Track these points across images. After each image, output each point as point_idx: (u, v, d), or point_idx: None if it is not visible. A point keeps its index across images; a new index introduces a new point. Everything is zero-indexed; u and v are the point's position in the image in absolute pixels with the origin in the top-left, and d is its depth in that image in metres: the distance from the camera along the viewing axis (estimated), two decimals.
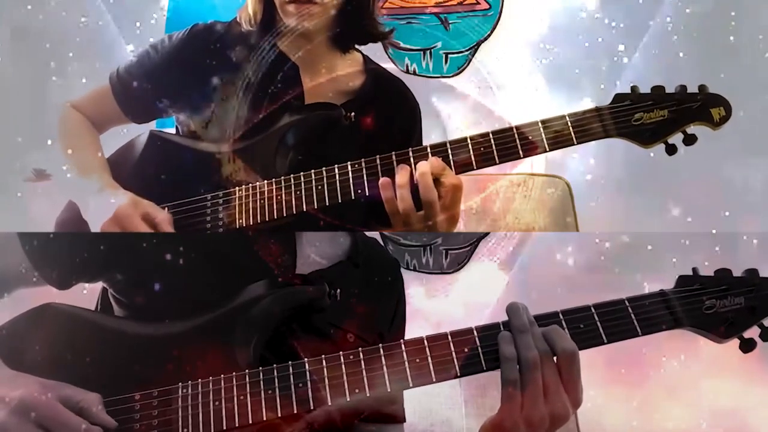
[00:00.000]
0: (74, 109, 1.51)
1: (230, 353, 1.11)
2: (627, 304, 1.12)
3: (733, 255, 1.95)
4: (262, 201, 1.33)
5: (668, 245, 2.02)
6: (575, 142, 1.28)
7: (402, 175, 1.27)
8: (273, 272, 1.23)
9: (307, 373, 1.07)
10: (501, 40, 2.38)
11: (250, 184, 1.35)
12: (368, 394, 1.06)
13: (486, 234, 2.40)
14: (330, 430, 1.11)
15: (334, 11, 1.42)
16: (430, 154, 1.29)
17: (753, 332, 1.13)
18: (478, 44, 2.39)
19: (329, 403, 1.06)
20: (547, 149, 1.28)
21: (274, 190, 1.33)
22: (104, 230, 1.32)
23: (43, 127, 1.75)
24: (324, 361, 1.08)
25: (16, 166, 1.96)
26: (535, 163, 2.34)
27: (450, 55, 2.41)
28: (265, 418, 1.05)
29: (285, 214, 1.31)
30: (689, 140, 1.28)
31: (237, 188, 1.35)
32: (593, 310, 1.11)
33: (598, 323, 1.10)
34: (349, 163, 1.31)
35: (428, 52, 2.40)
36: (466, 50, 2.40)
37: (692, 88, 1.30)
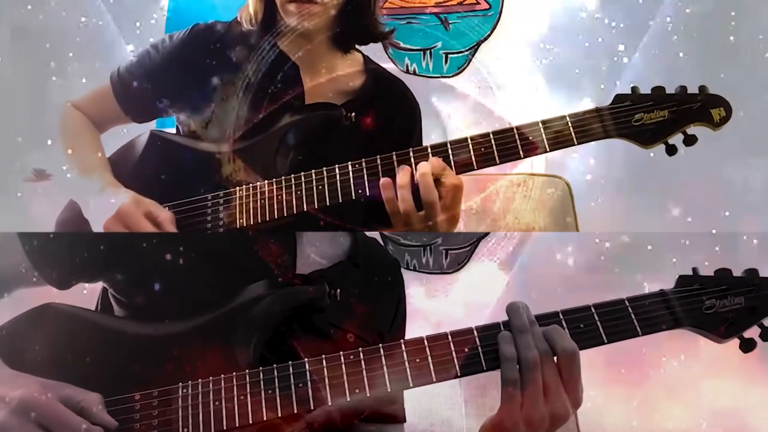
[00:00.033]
0: (75, 108, 1.51)
1: (230, 353, 1.11)
2: (627, 304, 1.12)
3: (733, 255, 1.95)
4: (262, 201, 1.33)
5: (668, 245, 2.02)
6: (575, 143, 1.28)
7: (403, 175, 1.27)
8: (273, 272, 1.23)
9: (307, 373, 1.07)
10: (501, 40, 2.39)
11: (251, 184, 1.35)
12: (368, 394, 1.06)
13: (486, 234, 2.40)
14: (330, 430, 1.11)
15: (335, 11, 1.42)
16: (430, 154, 1.29)
17: (753, 332, 1.13)
18: (478, 44, 2.39)
19: (329, 403, 1.06)
20: (548, 149, 1.28)
21: (274, 190, 1.33)
22: (107, 228, 1.32)
23: (43, 127, 1.75)
24: (324, 361, 1.08)
25: (16, 166, 1.96)
26: (535, 163, 2.34)
27: (450, 55, 2.41)
28: (265, 418, 1.05)
29: (285, 214, 1.31)
30: (689, 141, 1.28)
31: (237, 188, 1.35)
32: (593, 310, 1.11)
33: (598, 323, 1.10)
34: (349, 163, 1.31)
35: (428, 52, 2.40)
36: (466, 50, 2.40)
37: (692, 88, 1.30)
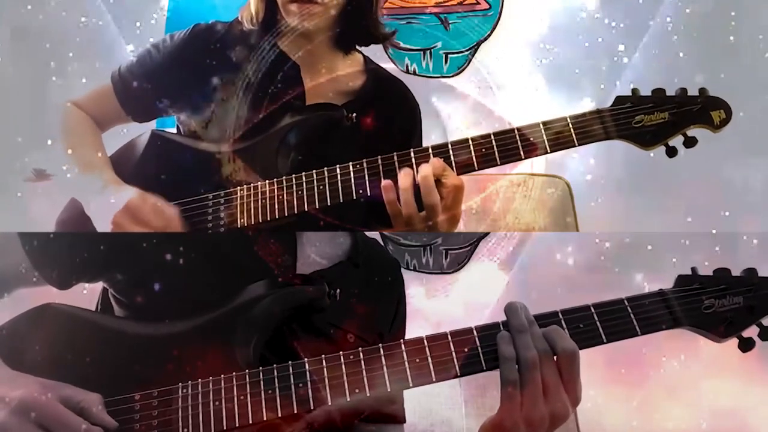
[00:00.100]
0: (76, 107, 1.51)
1: (230, 353, 1.11)
2: (626, 303, 1.12)
3: (733, 255, 1.95)
4: (263, 201, 1.33)
5: (668, 245, 2.02)
6: (576, 144, 1.28)
7: (405, 178, 1.26)
8: (273, 272, 1.23)
9: (307, 373, 1.07)
10: (501, 40, 2.39)
11: (252, 184, 1.35)
12: (368, 394, 1.06)
13: (486, 234, 2.40)
14: (330, 430, 1.11)
15: (336, 12, 1.42)
16: (431, 155, 1.29)
17: (752, 331, 1.13)
18: (478, 44, 2.39)
19: (329, 403, 1.06)
20: (548, 150, 1.28)
21: (275, 190, 1.33)
22: (116, 222, 1.32)
23: (43, 127, 1.74)
24: (324, 361, 1.08)
25: (16, 166, 1.96)
26: (535, 163, 2.34)
27: (450, 55, 2.41)
28: (265, 418, 1.05)
29: (286, 214, 1.31)
30: (690, 143, 1.29)
31: (238, 188, 1.35)
32: (593, 309, 1.11)
33: (598, 323, 1.10)
34: (350, 163, 1.31)
35: (428, 52, 2.40)
36: (466, 50, 2.40)
37: (692, 89, 1.31)
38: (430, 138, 1.63)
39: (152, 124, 1.56)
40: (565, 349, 1.05)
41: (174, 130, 1.53)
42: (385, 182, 1.27)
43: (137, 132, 1.50)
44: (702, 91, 1.30)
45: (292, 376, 1.07)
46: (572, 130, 1.28)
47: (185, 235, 1.32)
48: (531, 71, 2.34)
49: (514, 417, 1.03)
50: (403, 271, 1.47)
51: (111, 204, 1.33)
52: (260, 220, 1.33)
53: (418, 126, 1.56)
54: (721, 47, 2.11)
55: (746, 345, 1.13)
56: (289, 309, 1.15)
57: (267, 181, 1.34)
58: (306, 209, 1.31)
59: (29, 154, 1.92)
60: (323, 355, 1.08)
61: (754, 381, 1.98)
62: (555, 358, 1.06)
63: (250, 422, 1.05)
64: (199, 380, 1.08)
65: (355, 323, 1.23)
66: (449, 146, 1.30)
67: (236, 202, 1.35)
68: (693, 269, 1.16)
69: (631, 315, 1.11)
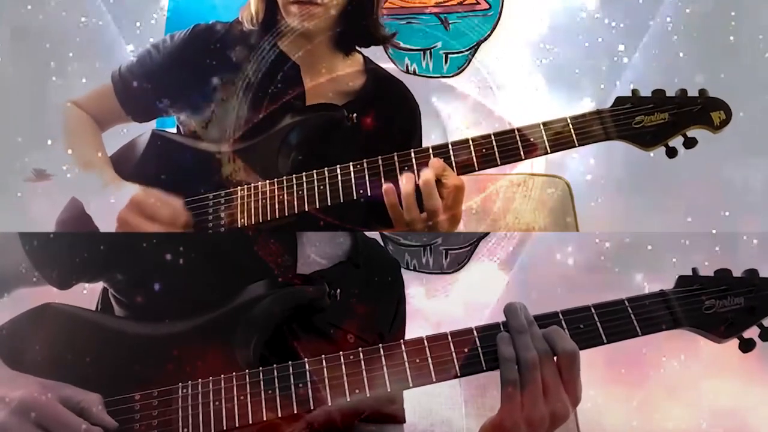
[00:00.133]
0: (76, 106, 1.52)
1: (230, 353, 1.11)
2: (627, 304, 1.12)
3: (733, 255, 1.95)
4: (263, 200, 1.33)
5: (668, 245, 2.02)
6: (576, 144, 1.28)
7: (407, 184, 1.26)
8: (273, 272, 1.23)
9: (307, 373, 1.07)
10: (501, 40, 2.39)
11: (252, 184, 1.35)
12: (368, 395, 1.06)
13: (486, 234, 2.40)
14: (330, 430, 1.11)
15: (337, 13, 1.42)
16: (432, 155, 1.29)
17: (752, 332, 1.13)
18: (478, 44, 2.40)
19: (329, 404, 1.06)
20: (548, 151, 1.28)
21: (276, 190, 1.33)
22: (122, 219, 1.32)
23: (43, 127, 1.75)
24: (324, 362, 1.08)
25: (16, 166, 1.96)
26: (535, 164, 2.34)
27: (450, 55, 2.41)
28: (265, 419, 1.05)
29: (287, 214, 1.31)
30: (689, 143, 1.29)
31: (239, 188, 1.36)
32: (593, 310, 1.11)
33: (598, 323, 1.10)
34: (351, 163, 1.31)
35: (428, 52, 2.41)
36: (466, 50, 2.40)
37: (692, 88, 1.31)
38: (430, 138, 1.63)
39: (152, 124, 1.56)
40: (565, 350, 1.05)
41: (174, 130, 1.53)
42: (386, 186, 1.27)
43: (137, 132, 1.50)
44: (702, 92, 1.30)
45: (292, 376, 1.07)
46: (572, 130, 1.28)
47: (185, 235, 1.32)
48: (531, 71, 2.34)
49: (514, 417, 1.03)
50: (403, 271, 1.47)
51: (111, 203, 1.33)
52: (260, 220, 1.33)
53: (418, 126, 1.56)
54: (721, 47, 2.11)
55: (747, 346, 1.12)
56: (289, 309, 1.15)
57: (267, 181, 1.34)
58: (306, 209, 1.31)
59: (29, 154, 1.93)
60: (323, 356, 1.08)
61: (754, 381, 1.98)
62: (555, 358, 1.06)
63: (250, 422, 1.05)
64: (199, 380, 1.08)
65: (355, 323, 1.23)
66: (449, 146, 1.30)
67: (236, 202, 1.35)
68: (694, 270, 1.16)
69: (632, 315, 1.11)
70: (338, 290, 1.18)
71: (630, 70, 2.22)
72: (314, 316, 1.18)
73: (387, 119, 1.47)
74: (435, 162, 1.27)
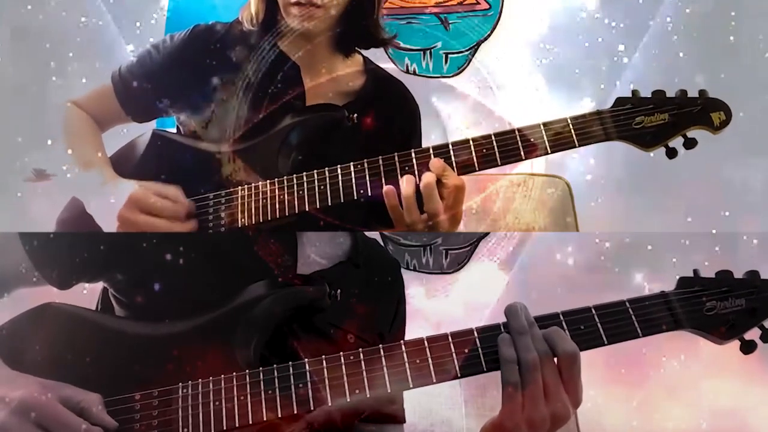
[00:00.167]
0: (76, 107, 1.52)
1: (230, 353, 1.11)
2: (628, 305, 1.12)
3: (733, 255, 1.95)
4: (264, 200, 1.33)
5: (668, 245, 2.03)
6: (576, 145, 1.29)
7: (408, 186, 1.26)
8: (273, 272, 1.23)
9: (308, 373, 1.07)
10: (501, 40, 2.39)
11: (253, 184, 1.35)
12: (368, 395, 1.06)
13: (486, 234, 2.40)
14: (330, 430, 1.11)
15: (337, 15, 1.42)
16: (432, 155, 1.29)
17: (754, 334, 1.13)
18: (478, 44, 2.40)
19: (329, 404, 1.06)
20: (549, 151, 1.28)
21: (276, 190, 1.33)
22: (122, 218, 1.32)
23: (43, 127, 1.75)
24: (324, 362, 1.08)
25: (16, 166, 1.96)
26: (535, 164, 2.34)
27: (450, 55, 2.41)
28: (265, 419, 1.05)
29: (287, 214, 1.31)
30: (689, 144, 1.29)
31: (239, 187, 1.36)
32: (594, 311, 1.11)
33: (599, 324, 1.10)
34: (351, 163, 1.31)
35: (428, 52, 2.40)
36: (466, 50, 2.40)
37: (692, 88, 1.31)
38: (430, 138, 1.63)
39: (152, 125, 1.56)
40: (565, 351, 1.05)
41: (174, 131, 1.53)
42: (387, 188, 1.27)
43: (137, 132, 1.50)
44: (702, 92, 1.30)
45: (292, 376, 1.07)
46: (572, 131, 1.28)
47: (185, 235, 1.32)
48: (531, 71, 2.34)
49: (515, 418, 1.03)
50: (403, 271, 1.47)
51: (112, 203, 1.33)
52: (260, 220, 1.33)
53: (418, 126, 1.56)
54: (721, 47, 2.11)
55: (748, 347, 1.12)
56: (290, 309, 1.15)
57: (267, 181, 1.34)
58: (306, 209, 1.31)
59: (29, 154, 1.92)
60: (323, 356, 1.08)
61: (754, 381, 1.98)
62: (555, 359, 1.06)
63: (250, 422, 1.05)
64: (200, 380, 1.08)
65: (355, 323, 1.23)
66: (450, 146, 1.30)
67: (237, 202, 1.35)
68: (695, 271, 1.16)
69: (633, 317, 1.11)
70: (339, 291, 1.18)
71: (630, 70, 2.22)
72: (314, 316, 1.18)
73: (387, 119, 1.47)
74: (435, 162, 1.27)
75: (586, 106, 2.22)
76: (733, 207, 2.11)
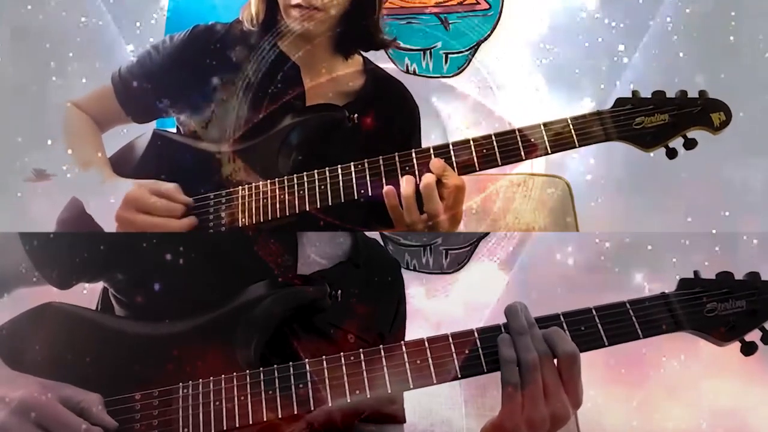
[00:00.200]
0: (76, 107, 1.52)
1: (231, 353, 1.11)
2: (628, 306, 1.12)
3: (733, 255, 1.95)
4: (264, 200, 1.33)
5: (668, 245, 2.03)
6: (577, 145, 1.29)
7: (408, 186, 1.26)
8: (273, 272, 1.23)
9: (308, 373, 1.07)
10: (501, 40, 2.39)
11: (253, 184, 1.35)
12: (369, 395, 1.06)
13: (486, 234, 2.40)
14: (330, 430, 1.11)
15: (337, 14, 1.42)
16: (432, 155, 1.29)
17: (754, 335, 1.13)
18: (478, 44, 2.39)
19: (329, 404, 1.06)
20: (549, 151, 1.29)
21: (276, 190, 1.33)
22: (120, 218, 1.32)
23: (43, 127, 1.75)
24: (324, 362, 1.08)
25: (16, 166, 1.96)
26: (535, 164, 2.34)
27: (450, 55, 2.41)
28: (265, 419, 1.05)
29: (287, 214, 1.31)
30: (689, 144, 1.29)
31: (240, 187, 1.36)
32: (594, 312, 1.11)
33: (599, 325, 1.10)
34: (352, 163, 1.31)
35: (428, 52, 2.40)
36: (466, 50, 2.40)
37: (692, 88, 1.31)
38: (430, 138, 1.63)
39: (151, 125, 1.56)
40: (565, 351, 1.05)
41: (174, 131, 1.53)
42: (387, 188, 1.27)
43: (137, 133, 1.50)
44: (702, 93, 1.30)
45: (292, 376, 1.07)
46: (573, 131, 1.29)
47: (185, 235, 1.32)
48: (531, 71, 2.34)
49: (514, 419, 1.03)
50: (403, 271, 1.47)
51: (110, 204, 1.33)
52: (261, 220, 1.33)
53: (418, 126, 1.56)
54: (721, 47, 2.11)
55: (749, 349, 1.12)
56: (290, 309, 1.15)
57: (268, 181, 1.34)
58: (307, 209, 1.31)
59: (29, 154, 1.92)
60: (324, 356, 1.08)
61: (754, 381, 1.98)
62: (555, 360, 1.06)
63: (251, 422, 1.05)
64: (200, 380, 1.08)
65: (356, 323, 1.23)
66: (450, 146, 1.30)
67: (237, 202, 1.35)
68: (695, 272, 1.16)
69: (633, 318, 1.11)
70: (339, 291, 1.18)
71: (630, 70, 2.22)
72: (315, 316, 1.18)
73: (387, 119, 1.47)
74: (436, 162, 1.28)
75: (586, 106, 2.22)
76: (733, 207, 2.11)
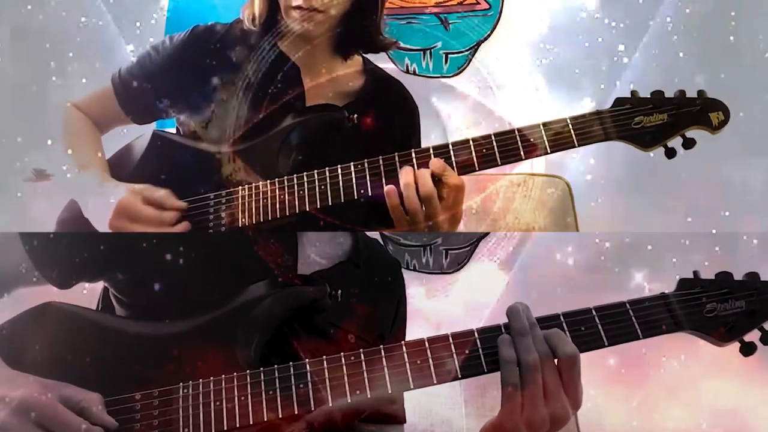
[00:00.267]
0: (76, 108, 1.52)
1: (231, 353, 1.11)
2: (628, 306, 1.12)
3: (733, 255, 1.95)
4: (264, 200, 1.33)
5: (668, 245, 2.03)
6: (576, 145, 1.29)
7: (407, 175, 1.27)
8: (273, 272, 1.23)
9: (308, 373, 1.07)
10: (501, 40, 2.39)
11: (253, 184, 1.35)
12: (369, 395, 1.06)
13: (486, 234, 2.40)
14: (330, 430, 1.11)
15: (338, 16, 1.42)
16: (432, 155, 1.29)
17: (754, 335, 1.13)
18: (478, 44, 2.39)
19: (330, 404, 1.06)
20: (548, 151, 1.29)
21: (276, 190, 1.33)
22: (112, 226, 1.32)
23: (43, 127, 1.74)
24: (325, 362, 1.08)
25: (16, 166, 1.96)
26: (535, 163, 2.34)
27: (450, 55, 2.41)
28: (265, 419, 1.05)
29: (288, 213, 1.31)
30: (688, 144, 1.29)
31: (240, 187, 1.36)
32: (594, 312, 1.11)
33: (599, 326, 1.10)
34: (352, 163, 1.31)
35: (428, 52, 2.40)
36: (466, 50, 2.40)
37: (692, 88, 1.31)
38: (430, 138, 1.63)
39: (151, 126, 1.56)
40: (565, 353, 1.05)
41: (174, 131, 1.53)
42: (388, 187, 1.27)
43: (137, 133, 1.50)
44: (700, 93, 1.31)
45: (292, 376, 1.07)
46: (572, 131, 1.29)
47: (185, 235, 1.32)
48: (531, 71, 2.34)
49: (514, 419, 1.03)
50: (403, 271, 1.47)
51: (109, 205, 1.33)
52: (261, 220, 1.33)
53: (418, 126, 1.56)
54: (721, 47, 2.11)
55: (748, 349, 1.12)
56: (291, 309, 1.15)
57: (268, 181, 1.34)
58: (306, 209, 1.31)
59: (29, 154, 1.92)
60: (324, 356, 1.08)
61: (754, 381, 1.98)
62: (556, 361, 1.06)
63: (251, 422, 1.05)
64: (200, 380, 1.08)
65: (356, 323, 1.23)
66: (450, 146, 1.30)
67: (237, 202, 1.35)
68: (695, 272, 1.16)
69: (633, 318, 1.11)
70: (339, 291, 1.18)
71: (630, 70, 2.22)
72: (315, 316, 1.18)
73: (387, 119, 1.47)
74: (435, 162, 1.28)
75: (586, 106, 2.22)
76: (733, 207, 2.11)
